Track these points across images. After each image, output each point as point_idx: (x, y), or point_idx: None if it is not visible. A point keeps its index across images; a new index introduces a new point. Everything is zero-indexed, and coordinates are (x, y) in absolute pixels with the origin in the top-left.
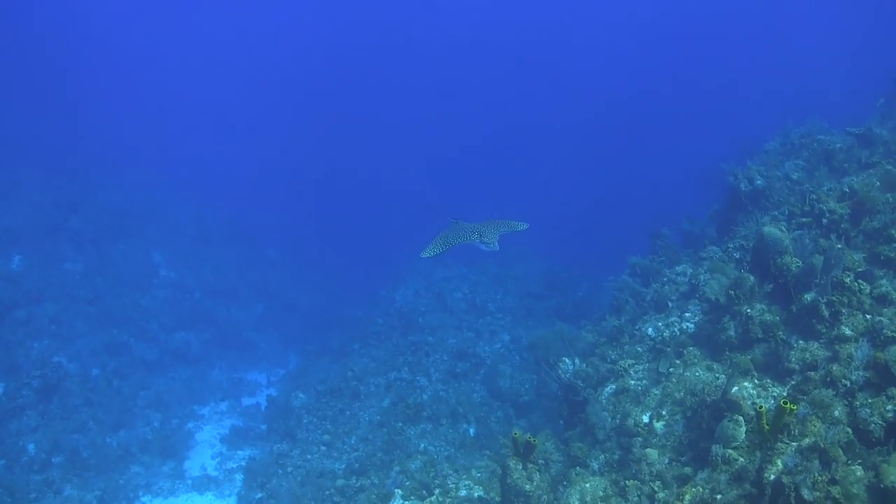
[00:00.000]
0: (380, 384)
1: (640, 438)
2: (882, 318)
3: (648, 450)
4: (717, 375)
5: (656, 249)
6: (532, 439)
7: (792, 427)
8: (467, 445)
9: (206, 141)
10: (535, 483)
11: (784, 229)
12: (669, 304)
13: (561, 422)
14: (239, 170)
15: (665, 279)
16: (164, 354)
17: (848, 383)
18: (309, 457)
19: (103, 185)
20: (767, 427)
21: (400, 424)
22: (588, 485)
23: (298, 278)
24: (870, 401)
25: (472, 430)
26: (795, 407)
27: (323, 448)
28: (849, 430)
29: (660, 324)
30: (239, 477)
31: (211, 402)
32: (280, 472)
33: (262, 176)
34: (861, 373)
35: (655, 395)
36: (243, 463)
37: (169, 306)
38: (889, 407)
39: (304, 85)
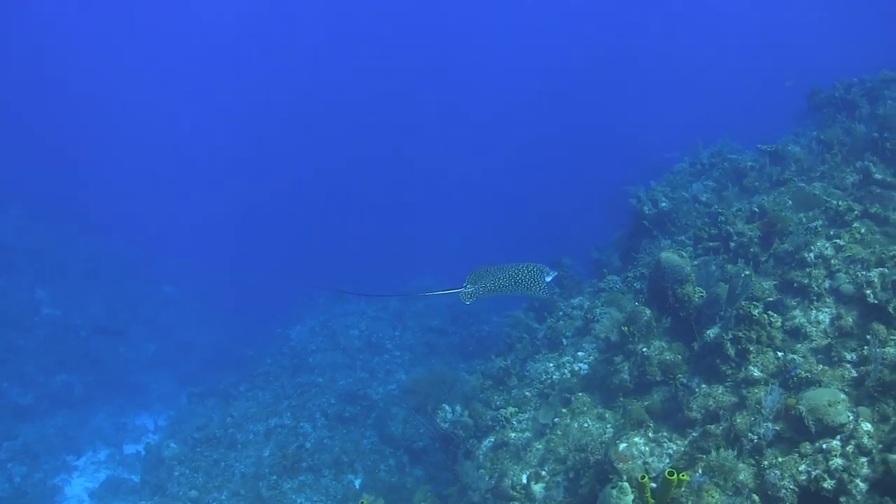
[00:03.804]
0: (259, 431)
1: (516, 503)
2: (795, 356)
3: None
4: (607, 426)
5: (557, 280)
6: None
7: (684, 500)
8: (351, 499)
9: (98, 172)
10: None
11: (685, 255)
12: (564, 341)
13: (449, 475)
14: (134, 203)
15: (561, 313)
16: (42, 399)
17: (755, 438)
18: None
19: None
20: (652, 502)
21: (275, 477)
22: None
23: (197, 315)
24: (780, 460)
25: (357, 481)
26: (686, 476)
27: None
28: (755, 497)
29: (551, 364)
30: None
31: (89, 450)
32: None
33: (159, 209)
34: (770, 425)
35: (538, 450)
36: None
37: (50, 346)
38: (802, 467)
39: (197, 117)
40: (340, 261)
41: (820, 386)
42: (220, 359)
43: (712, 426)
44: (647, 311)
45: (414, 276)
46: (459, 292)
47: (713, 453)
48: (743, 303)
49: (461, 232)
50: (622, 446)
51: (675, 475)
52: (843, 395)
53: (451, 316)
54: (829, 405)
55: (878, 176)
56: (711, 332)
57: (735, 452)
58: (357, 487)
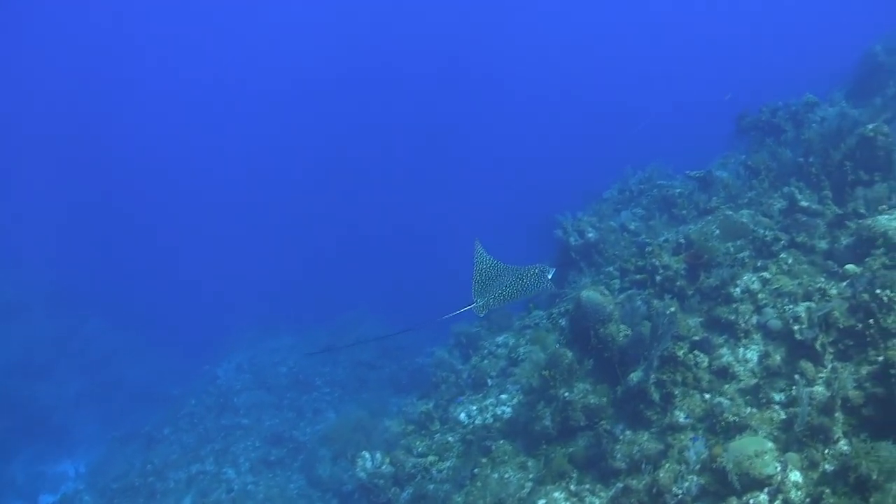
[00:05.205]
0: (181, 479)
1: None
2: (722, 399)
3: None
4: (529, 476)
5: (485, 315)
6: None
7: None
8: None
9: (24, 200)
10: None
11: (607, 293)
12: (489, 381)
13: None
14: (61, 228)
15: (486, 352)
16: None
17: (679, 493)
18: None
19: None
20: None
21: None
22: None
23: (128, 350)
24: None
25: None
26: None
27: None
28: None
29: (474, 407)
30: None
31: None
32: None
33: (89, 238)
34: (695, 478)
35: (457, 503)
36: None
37: None
38: None
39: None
40: (269, 293)
41: (747, 433)
42: (148, 395)
43: (634, 481)
44: (569, 354)
45: (346, 308)
46: (472, 308)
47: None
48: (666, 343)
49: (389, 264)
50: (541, 502)
51: None
52: (770, 444)
53: (381, 349)
54: (756, 455)
55: (803, 203)
56: (635, 376)
57: None
58: None
